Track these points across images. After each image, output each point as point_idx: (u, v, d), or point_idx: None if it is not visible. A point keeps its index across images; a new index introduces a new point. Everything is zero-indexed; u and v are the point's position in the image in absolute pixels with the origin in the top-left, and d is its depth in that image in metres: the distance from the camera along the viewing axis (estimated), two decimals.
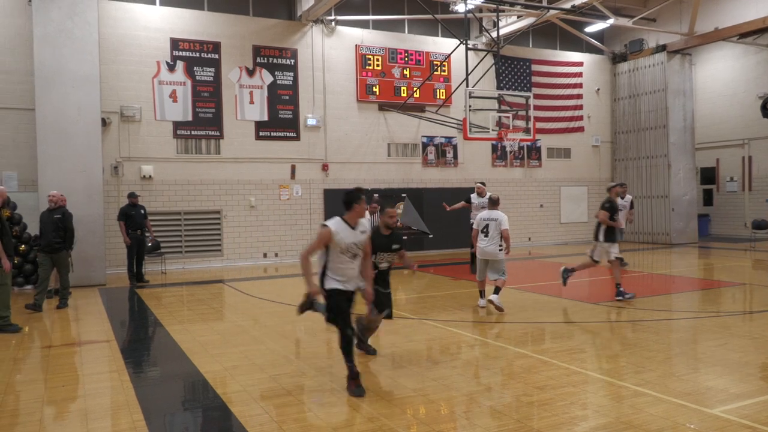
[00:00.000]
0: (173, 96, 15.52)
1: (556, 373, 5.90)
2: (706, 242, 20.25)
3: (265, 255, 16.51)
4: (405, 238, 17.85)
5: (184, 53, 15.62)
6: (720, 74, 22.08)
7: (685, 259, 16.33)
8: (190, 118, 15.69)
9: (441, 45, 18.73)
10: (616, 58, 21.86)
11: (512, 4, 16.94)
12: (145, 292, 12.08)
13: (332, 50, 17.38)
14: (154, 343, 8.17)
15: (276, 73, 16.64)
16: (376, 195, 7.63)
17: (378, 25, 18.23)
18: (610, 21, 18.53)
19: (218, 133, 16.01)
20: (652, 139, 20.62)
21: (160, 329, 8.52)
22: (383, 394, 5.41)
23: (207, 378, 6.00)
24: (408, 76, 18.22)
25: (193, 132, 15.75)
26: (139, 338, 8.58)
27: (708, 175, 22.74)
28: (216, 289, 12.42)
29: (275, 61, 16.64)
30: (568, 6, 17.14)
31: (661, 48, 20.26)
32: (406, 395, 5.36)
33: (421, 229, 18.21)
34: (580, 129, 21.40)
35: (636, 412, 4.83)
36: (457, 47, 16.76)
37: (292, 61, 16.84)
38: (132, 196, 13.13)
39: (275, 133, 16.66)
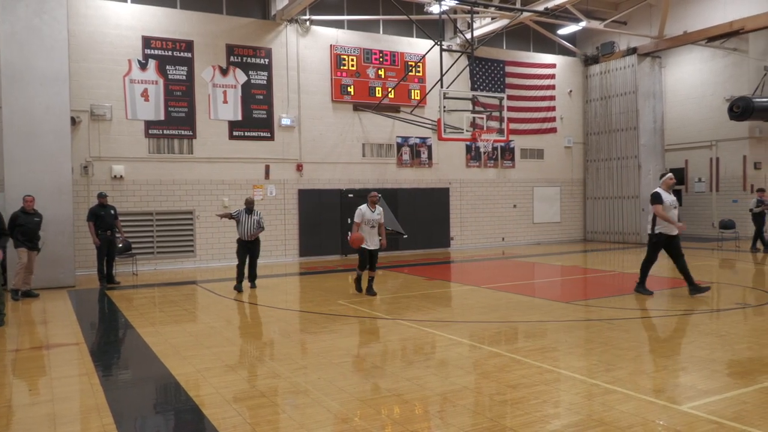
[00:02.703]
0: (145, 95, 15.32)
1: (529, 372, 5.96)
2: None
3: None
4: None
5: (156, 51, 15.42)
6: (689, 77, 22.52)
7: None
8: (162, 118, 15.50)
9: (416, 46, 18.79)
10: (588, 61, 22.16)
11: (486, 6, 17.06)
12: (115, 293, 11.89)
13: (307, 50, 17.32)
14: (125, 345, 8.05)
15: (250, 72, 16.53)
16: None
17: (353, 26, 18.23)
18: (582, 24, 18.79)
19: (191, 133, 15.84)
20: (623, 141, 20.94)
21: (131, 331, 8.40)
22: (357, 394, 5.40)
23: (179, 380, 5.93)
24: (383, 76, 18.24)
25: (165, 131, 15.56)
26: (110, 341, 8.45)
27: (677, 176, 23.10)
28: (188, 290, 12.29)
29: (249, 60, 16.52)
30: (541, 8, 17.33)
31: (632, 51, 20.59)
32: (380, 395, 5.36)
33: (396, 230, 18.25)
34: (553, 130, 21.64)
35: (607, 409, 4.90)
36: (431, 48, 16.84)
37: (267, 60, 16.74)
38: (101, 196, 12.91)
39: (249, 133, 16.54)
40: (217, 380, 5.89)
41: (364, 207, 10.56)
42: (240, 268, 11.54)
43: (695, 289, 10.02)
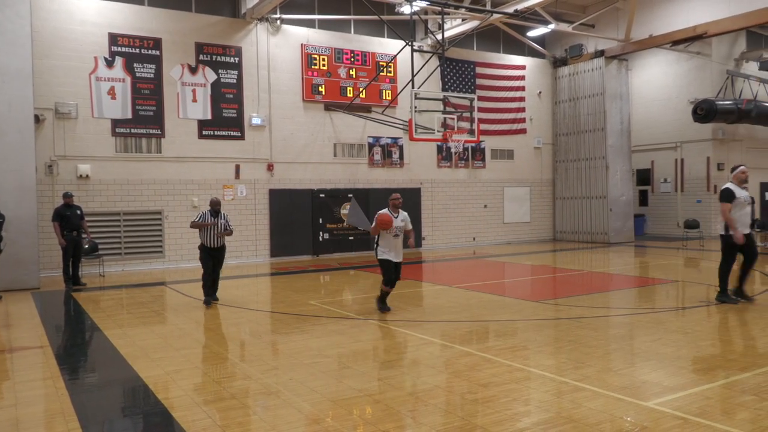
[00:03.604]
0: (112, 93, 15.05)
1: (500, 371, 6.01)
2: (641, 241, 21.01)
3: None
4: (352, 238, 17.91)
5: (123, 49, 15.16)
6: (654, 79, 22.97)
7: (622, 257, 16.91)
8: (129, 116, 15.24)
9: (387, 46, 18.82)
10: (557, 62, 22.45)
11: (457, 7, 17.17)
12: (81, 295, 11.65)
13: (277, 49, 17.21)
14: (92, 348, 7.89)
15: (220, 71, 16.36)
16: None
17: (324, 25, 18.17)
18: (551, 26, 19.03)
19: (159, 132, 15.61)
20: (591, 142, 21.26)
21: (97, 334, 8.24)
22: (329, 395, 5.38)
23: (147, 383, 5.84)
24: (354, 76, 18.22)
25: (132, 130, 15.31)
26: (76, 343, 8.27)
27: (643, 177, 23.61)
28: (157, 291, 12.11)
29: (219, 58, 16.35)
30: (510, 10, 17.50)
31: (600, 53, 20.92)
32: (352, 396, 5.35)
33: (367, 230, 18.21)
34: (523, 131, 21.87)
35: (576, 406, 4.97)
36: (402, 48, 16.87)
37: (237, 59, 16.58)
38: (67, 195, 12.63)
39: (219, 132, 16.37)
40: (187, 382, 5.82)
41: (384, 211, 8.87)
42: (206, 279, 10.12)
43: (740, 294, 9.33)
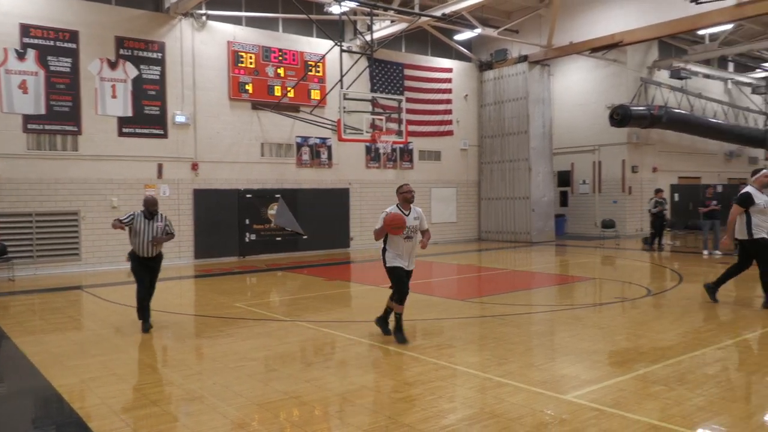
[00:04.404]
0: (23, 87, 14.24)
1: (426, 369, 6.09)
2: (562, 240, 21.80)
3: (128, 259, 15.55)
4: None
5: (36, 41, 14.38)
6: (575, 85, 23.89)
7: (543, 256, 17.48)
8: (43, 112, 14.47)
9: (316, 45, 18.71)
10: (483, 66, 22.97)
11: (386, 9, 17.28)
12: None
13: (203, 45, 16.79)
14: None
15: (141, 66, 15.79)
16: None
17: (251, 22, 17.86)
18: (478, 30, 19.45)
19: (76, 129, 14.90)
20: (515, 144, 21.87)
21: (5, 341, 7.78)
22: (254, 398, 5.30)
23: (61, 392, 5.56)
24: (282, 75, 18.00)
25: (46, 126, 14.54)
26: None
27: (564, 178, 24.51)
28: (73, 296, 11.56)
29: (141, 53, 15.78)
30: (438, 14, 17.77)
31: (523, 58, 21.56)
32: (279, 398, 5.29)
33: (295, 230, 18.09)
34: (450, 133, 22.25)
35: (499, 401, 5.10)
36: (331, 48, 16.81)
37: (160, 54, 16.05)
38: None
39: (140, 130, 15.80)
40: (104, 390, 5.58)
41: (392, 209, 7.18)
42: (144, 297, 8.21)
43: (712, 292, 9.32)
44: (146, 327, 8.12)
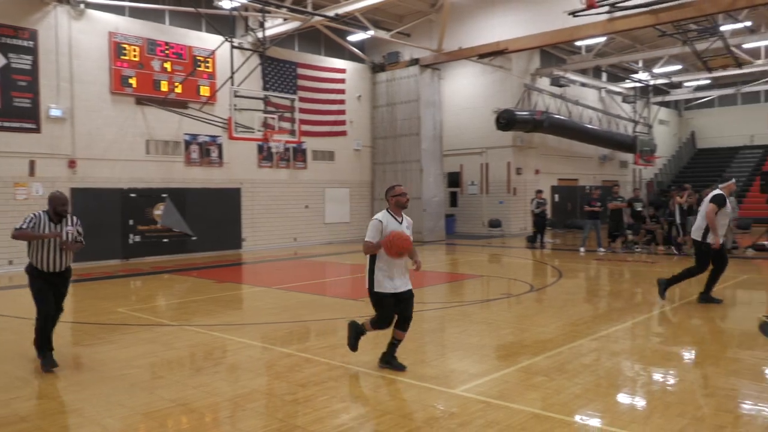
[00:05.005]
0: None
1: (319, 369, 6.07)
2: (452, 239, 22.49)
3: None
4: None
5: None
6: (463, 89, 24.72)
7: (435, 255, 17.95)
8: None
9: (205, 40, 18.10)
10: (376, 68, 23.24)
11: (278, 7, 17.04)
12: None
13: (81, 35, 15.76)
14: None
15: (10, 55, 14.57)
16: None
17: (135, 13, 17.00)
18: (370, 32, 19.65)
19: None
20: (407, 145, 22.30)
21: None
22: (139, 408, 5.04)
23: None
24: (169, 70, 17.26)
25: None
26: None
27: (454, 179, 25.29)
28: None
29: (9, 41, 14.56)
30: (331, 14, 17.77)
31: (415, 61, 22.03)
32: (165, 407, 5.07)
33: (183, 231, 17.42)
34: (343, 133, 22.32)
35: (392, 398, 5.18)
36: (221, 44, 16.36)
37: (31, 43, 14.90)
38: None
39: (9, 124, 14.57)
40: None
41: (383, 216, 5.91)
42: (46, 323, 6.39)
43: (708, 299, 9.22)
44: (49, 363, 6.24)
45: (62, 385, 5.70)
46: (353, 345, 6.13)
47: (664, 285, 9.42)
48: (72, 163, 15.59)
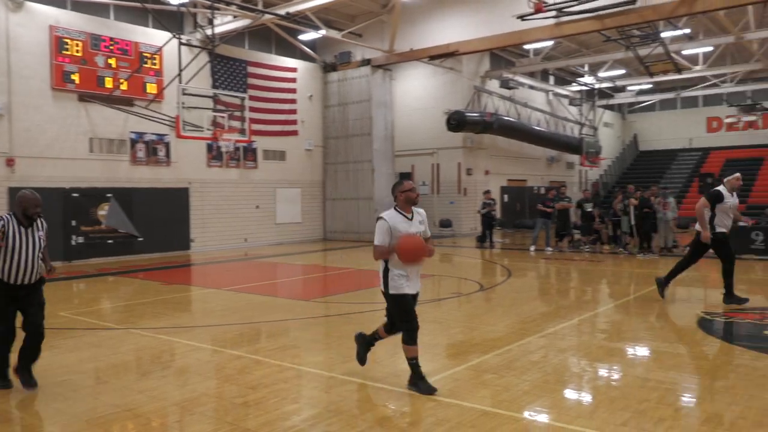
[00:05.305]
0: None
1: (269, 371, 6.00)
2: None
3: None
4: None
5: None
6: (415, 90, 24.87)
7: None
8: None
9: (152, 36, 17.66)
10: (327, 68, 23.15)
11: (228, 4, 16.78)
12: None
13: (19, 28, 15.16)
14: None
15: None
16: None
17: (78, 7, 16.46)
18: (322, 32, 19.55)
19: None
20: (359, 145, 22.29)
21: None
22: (82, 414, 4.88)
23: None
24: (114, 66, 16.76)
25: None
26: None
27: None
28: None
29: None
30: (282, 12, 17.62)
31: (366, 62, 22.04)
32: (110, 412, 4.92)
33: (129, 232, 16.95)
34: (294, 133, 22.15)
35: (343, 399, 5.17)
36: (169, 41, 16.03)
37: None
38: None
39: None
40: None
41: (391, 215, 5.51)
42: (4, 345, 5.55)
43: (734, 300, 9.00)
44: (5, 384, 5.52)
45: (6, 394, 5.46)
46: (362, 359, 5.86)
47: (663, 284, 9.46)
48: (10, 162, 14.98)
